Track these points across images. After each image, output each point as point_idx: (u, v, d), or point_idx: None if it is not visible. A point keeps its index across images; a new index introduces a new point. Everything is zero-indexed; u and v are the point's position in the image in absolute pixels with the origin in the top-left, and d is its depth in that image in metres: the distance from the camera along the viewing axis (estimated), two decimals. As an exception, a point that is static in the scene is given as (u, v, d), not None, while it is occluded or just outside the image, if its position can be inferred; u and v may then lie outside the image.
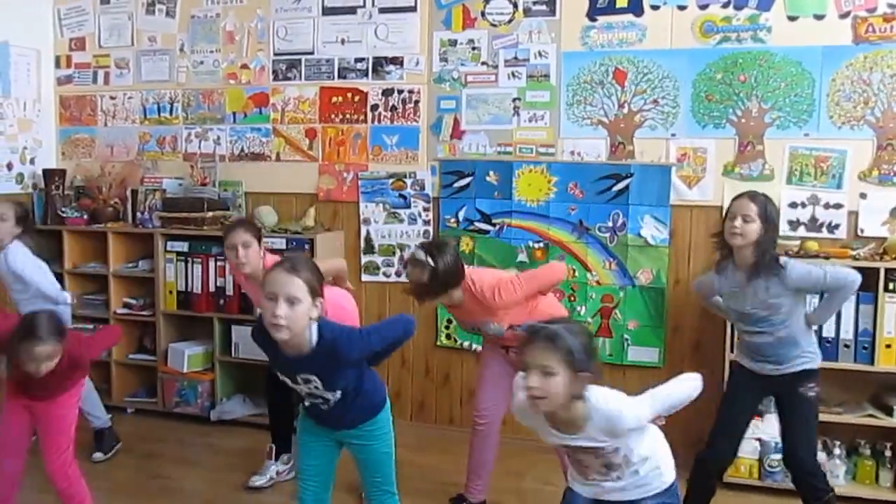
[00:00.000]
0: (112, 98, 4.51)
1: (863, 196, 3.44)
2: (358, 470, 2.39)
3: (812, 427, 2.74)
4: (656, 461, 2.04)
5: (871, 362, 3.24)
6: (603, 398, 1.91)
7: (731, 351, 3.30)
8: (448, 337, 3.99)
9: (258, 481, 3.35)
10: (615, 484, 2.03)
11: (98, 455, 3.60)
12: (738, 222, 2.65)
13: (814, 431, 2.75)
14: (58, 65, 4.58)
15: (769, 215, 2.67)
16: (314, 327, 2.08)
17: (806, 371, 2.70)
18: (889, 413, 3.26)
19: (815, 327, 2.82)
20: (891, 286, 3.21)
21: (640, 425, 1.96)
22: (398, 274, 4.03)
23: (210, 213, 4.01)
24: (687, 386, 2.08)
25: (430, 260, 2.77)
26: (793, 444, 2.74)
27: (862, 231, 3.42)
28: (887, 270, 3.20)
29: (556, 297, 3.04)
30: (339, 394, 2.18)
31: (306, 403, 2.26)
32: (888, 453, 3.32)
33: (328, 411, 2.22)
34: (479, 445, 3.07)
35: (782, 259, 2.68)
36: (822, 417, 3.26)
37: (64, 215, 4.21)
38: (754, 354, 2.77)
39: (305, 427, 2.36)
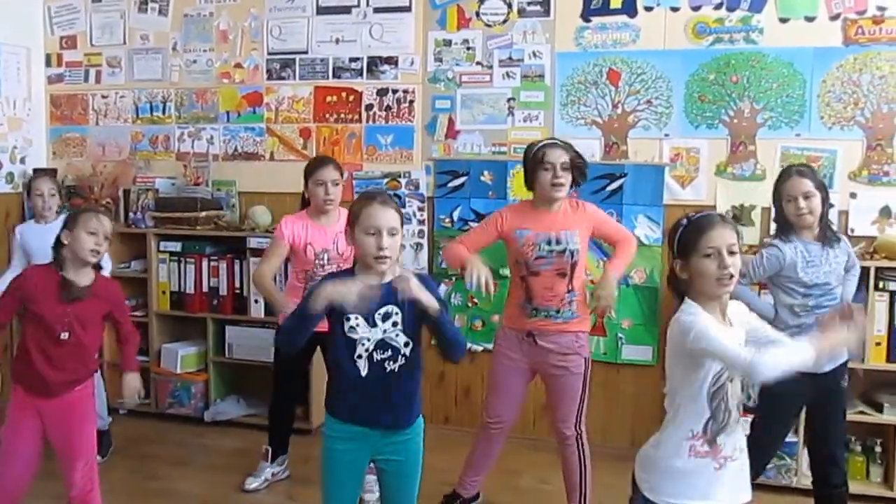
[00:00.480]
0: (104, 97, 4.47)
1: (853, 196, 3.48)
2: (383, 488, 2.27)
3: (845, 418, 2.77)
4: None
5: (862, 360, 3.28)
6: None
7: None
8: (443, 336, 4.00)
9: (253, 483, 3.34)
10: (734, 443, 1.95)
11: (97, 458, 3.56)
12: (802, 202, 2.63)
13: (845, 423, 2.78)
14: (48, 63, 4.54)
15: (822, 182, 2.71)
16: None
17: (845, 362, 2.73)
18: (879, 410, 3.30)
19: None
20: (881, 285, 3.26)
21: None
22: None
23: (203, 213, 3.99)
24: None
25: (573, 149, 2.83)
26: (827, 438, 2.73)
27: (852, 230, 3.46)
28: (877, 269, 3.25)
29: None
30: (410, 348, 2.12)
31: (364, 373, 2.10)
32: (878, 449, 3.37)
33: (386, 385, 2.11)
34: (487, 447, 3.04)
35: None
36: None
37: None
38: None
39: (337, 440, 2.19)
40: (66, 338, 2.47)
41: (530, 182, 2.85)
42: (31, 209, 3.72)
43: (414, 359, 2.16)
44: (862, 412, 3.34)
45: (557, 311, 2.81)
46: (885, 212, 3.46)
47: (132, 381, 2.70)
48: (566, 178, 2.77)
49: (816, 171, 2.78)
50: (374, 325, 2.10)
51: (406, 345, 2.13)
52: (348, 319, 2.10)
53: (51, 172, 4.28)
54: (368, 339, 2.10)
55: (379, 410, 2.15)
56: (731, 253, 1.85)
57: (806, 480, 3.27)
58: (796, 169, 2.74)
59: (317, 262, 3.19)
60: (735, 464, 1.92)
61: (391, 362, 2.12)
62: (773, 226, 3.15)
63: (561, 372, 2.83)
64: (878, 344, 3.28)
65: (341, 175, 3.25)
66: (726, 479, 1.91)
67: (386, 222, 2.07)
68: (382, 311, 2.10)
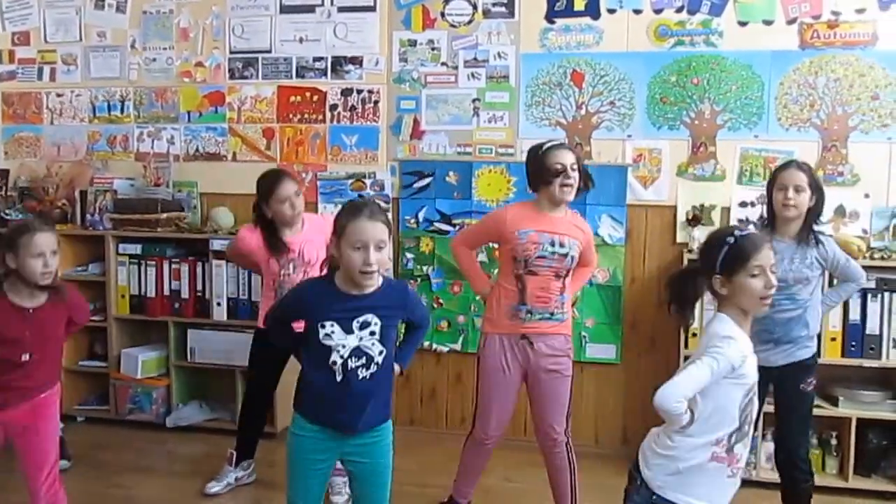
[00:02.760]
0: (59, 95, 4.35)
1: (809, 195, 3.57)
2: (354, 491, 2.28)
3: (808, 421, 2.80)
4: None
5: (819, 355, 3.34)
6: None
7: (686, 346, 3.39)
8: (409, 337, 3.99)
9: (214, 488, 3.28)
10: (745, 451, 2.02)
11: (64, 462, 3.46)
12: (791, 193, 2.66)
13: (808, 423, 2.81)
14: (0, 60, 4.41)
15: (818, 184, 2.72)
16: None
17: (806, 363, 2.74)
18: (835, 403, 3.39)
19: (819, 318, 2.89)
20: (835, 281, 3.32)
21: None
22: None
23: (164, 215, 3.92)
24: None
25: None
26: (788, 438, 2.78)
27: (809, 229, 3.55)
28: (833, 267, 3.33)
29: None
30: (384, 355, 2.13)
31: (338, 378, 2.10)
32: (834, 442, 3.46)
33: (359, 390, 2.11)
34: (478, 457, 2.97)
35: (823, 236, 2.76)
36: (772, 409, 3.39)
37: (7, 217, 4.04)
38: (761, 334, 2.69)
39: (307, 444, 2.19)
40: (27, 359, 2.42)
41: (536, 184, 2.79)
42: None
43: (386, 365, 2.16)
44: (818, 406, 3.40)
45: (552, 314, 2.77)
46: (840, 211, 3.55)
47: None
48: (575, 179, 2.73)
49: (815, 172, 2.79)
50: (350, 332, 2.09)
51: (380, 353, 2.13)
52: (324, 326, 2.09)
53: (2, 173, 4.16)
54: (344, 346, 2.10)
55: (349, 415, 2.15)
56: (773, 273, 1.92)
57: (766, 473, 3.35)
58: (797, 163, 2.78)
59: (282, 271, 3.17)
60: (740, 473, 1.99)
61: (364, 369, 2.12)
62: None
63: (553, 375, 2.79)
64: (833, 339, 3.37)
65: (297, 182, 3.24)
66: (730, 490, 1.99)
67: (373, 237, 2.03)
68: (361, 319, 2.09)
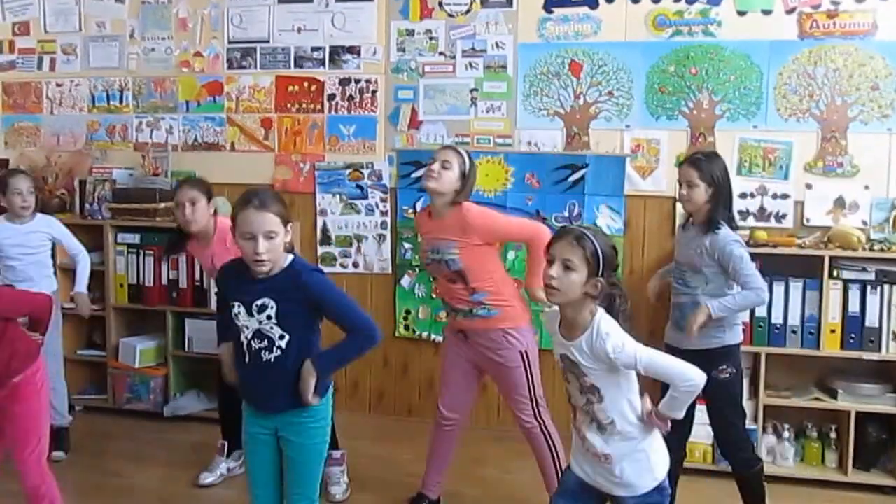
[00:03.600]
0: (58, 85, 4.37)
1: (808, 186, 3.54)
2: (285, 469, 2.27)
3: (727, 406, 2.78)
4: (649, 458, 2.05)
5: (817, 347, 3.35)
6: (605, 321, 1.98)
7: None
8: (406, 328, 3.99)
9: (208, 478, 3.29)
10: (602, 446, 2.03)
11: (59, 454, 3.47)
12: (684, 189, 2.76)
13: (731, 410, 2.79)
14: (0, 50, 4.42)
15: (715, 177, 2.73)
16: (288, 256, 2.18)
17: (712, 351, 2.72)
18: (834, 396, 3.36)
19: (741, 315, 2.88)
20: (835, 273, 3.32)
21: (621, 360, 1.95)
22: (355, 265, 4.01)
23: (162, 204, 3.92)
24: (685, 368, 2.00)
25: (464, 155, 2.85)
26: (716, 426, 2.86)
27: (808, 220, 3.53)
28: (831, 258, 3.31)
29: (516, 284, 3.00)
30: (286, 340, 2.14)
31: (246, 360, 2.18)
32: (833, 435, 3.43)
33: (268, 371, 2.16)
34: (440, 445, 3.02)
35: (723, 229, 2.72)
36: (771, 402, 3.38)
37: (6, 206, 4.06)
38: (673, 318, 2.86)
39: (247, 419, 2.29)
40: None
41: None
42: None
43: (292, 351, 2.16)
44: (817, 398, 3.40)
45: (470, 311, 2.80)
46: (840, 202, 3.53)
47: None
48: (440, 174, 2.75)
49: (717, 165, 2.77)
50: (251, 314, 2.15)
51: (281, 337, 2.15)
52: (233, 307, 2.17)
53: (2, 162, 4.17)
54: (247, 328, 2.16)
55: (261, 395, 2.22)
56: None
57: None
58: (690, 159, 2.82)
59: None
60: (604, 468, 2.04)
61: (267, 352, 2.16)
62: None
63: (496, 367, 2.86)
64: (832, 331, 3.34)
65: (207, 191, 3.11)
66: (593, 463, 2.07)
67: (260, 227, 2.07)
68: (259, 302, 2.13)
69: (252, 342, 2.16)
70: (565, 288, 1.96)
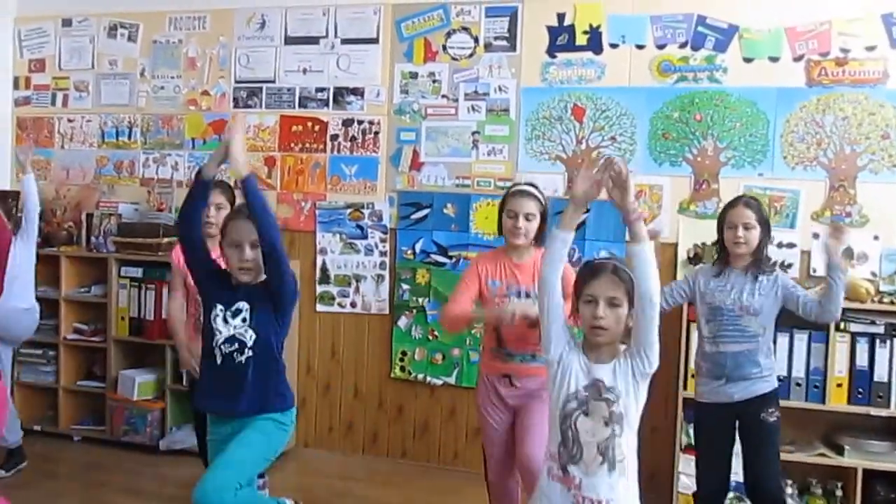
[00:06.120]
0: (70, 121, 4.46)
1: (815, 236, 3.47)
2: (225, 449, 2.31)
3: (777, 453, 2.76)
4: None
5: (823, 401, 3.26)
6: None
7: (684, 388, 3.30)
8: (402, 369, 3.95)
9: None
10: (607, 490, 1.93)
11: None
12: (741, 231, 2.72)
13: (778, 458, 2.76)
14: (16, 86, 4.54)
15: (766, 218, 2.78)
16: None
17: (766, 395, 2.74)
18: (840, 452, 3.27)
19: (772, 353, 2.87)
20: (842, 326, 3.24)
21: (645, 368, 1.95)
22: (353, 305, 4.00)
23: (166, 240, 3.96)
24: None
25: (540, 195, 2.75)
26: (756, 472, 2.75)
27: (815, 271, 3.45)
28: (839, 310, 3.23)
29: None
30: (255, 340, 2.30)
31: (218, 361, 2.31)
32: (839, 493, 3.33)
33: (236, 372, 2.29)
34: (499, 499, 2.88)
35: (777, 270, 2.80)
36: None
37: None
38: (714, 369, 2.76)
39: (210, 427, 2.44)
40: None
41: (500, 228, 2.80)
42: None
43: (262, 353, 2.32)
44: (822, 454, 3.30)
45: (533, 356, 2.70)
46: (848, 253, 3.43)
47: None
48: (525, 226, 2.69)
49: (763, 206, 2.85)
50: (226, 321, 2.32)
51: (252, 339, 2.31)
52: (214, 308, 2.32)
53: (13, 195, 4.24)
54: (221, 332, 2.32)
55: (227, 397, 2.32)
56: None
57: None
58: (744, 200, 2.82)
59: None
60: None
61: (238, 354, 2.31)
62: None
63: (533, 403, 2.70)
64: (839, 385, 3.25)
65: (232, 198, 3.14)
66: None
67: (248, 235, 2.25)
68: (234, 307, 2.31)
69: (223, 346, 2.31)
70: (614, 327, 1.94)
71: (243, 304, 2.31)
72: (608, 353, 1.99)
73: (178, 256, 3.13)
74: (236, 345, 2.31)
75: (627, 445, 1.95)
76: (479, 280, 2.77)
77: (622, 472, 1.93)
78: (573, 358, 2.01)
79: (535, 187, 2.79)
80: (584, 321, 1.97)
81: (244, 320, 2.31)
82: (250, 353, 2.30)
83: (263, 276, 2.33)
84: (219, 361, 2.32)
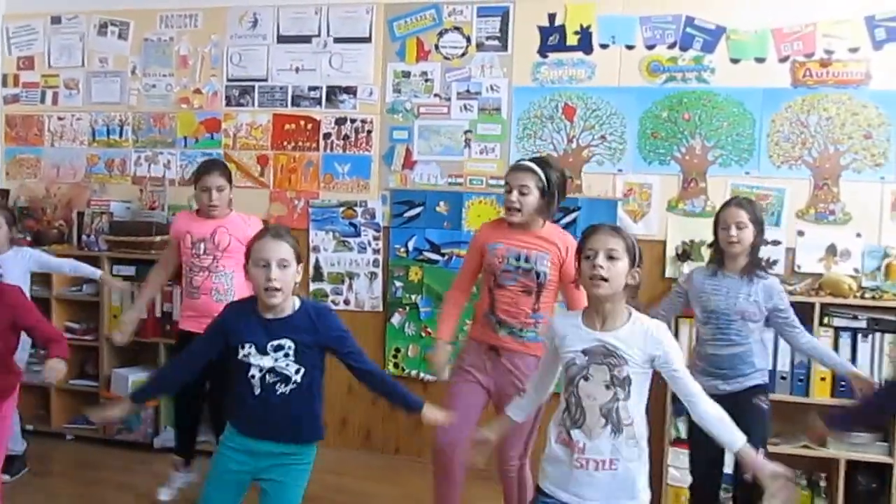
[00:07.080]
0: (60, 119, 4.44)
1: (800, 234, 3.55)
2: None
3: (762, 434, 2.77)
4: (644, 474, 2.04)
5: (807, 394, 3.34)
6: (645, 317, 2.02)
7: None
8: (396, 366, 3.99)
9: (164, 494, 3.38)
10: (612, 451, 1.97)
11: (5, 477, 3.48)
12: (734, 231, 2.76)
13: (762, 438, 2.77)
14: (4, 83, 4.50)
15: (759, 218, 2.82)
16: (296, 298, 2.25)
17: (757, 386, 2.80)
18: (823, 444, 3.34)
19: (769, 348, 2.99)
20: (825, 321, 3.32)
21: (665, 353, 1.97)
22: (346, 302, 4.03)
23: (158, 238, 3.96)
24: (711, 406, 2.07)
25: (539, 171, 2.69)
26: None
27: (799, 267, 3.53)
28: (822, 305, 3.32)
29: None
30: (301, 374, 2.20)
31: (256, 391, 2.20)
32: (823, 483, 3.41)
33: (277, 404, 2.20)
34: (444, 482, 2.84)
35: (770, 276, 2.84)
36: (759, 449, 3.36)
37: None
38: (710, 369, 2.81)
39: (228, 452, 2.28)
40: None
41: None
42: None
43: (307, 384, 2.22)
44: (806, 446, 3.38)
45: (521, 330, 2.72)
46: (831, 249, 3.52)
47: (57, 364, 2.54)
48: (519, 200, 2.68)
49: (758, 206, 2.90)
50: (265, 353, 2.20)
51: (297, 372, 2.21)
52: (243, 348, 2.20)
53: (2, 193, 4.23)
54: (260, 366, 2.20)
55: (270, 426, 2.23)
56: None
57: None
58: (737, 201, 2.87)
59: (193, 251, 3.25)
60: (605, 473, 1.97)
61: (282, 385, 2.21)
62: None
63: (513, 393, 2.67)
64: (822, 379, 3.34)
65: (230, 179, 3.32)
66: (585, 480, 1.97)
67: (276, 254, 2.15)
68: (275, 343, 2.19)
69: (266, 376, 2.20)
70: (614, 277, 1.95)
71: (286, 342, 2.19)
72: (616, 317, 1.99)
73: (176, 227, 3.34)
74: (279, 376, 2.20)
75: (637, 410, 1.98)
76: (478, 245, 2.83)
77: (630, 435, 1.96)
78: (566, 334, 2.04)
79: (543, 161, 2.77)
80: (584, 275, 1.98)
81: (286, 355, 2.20)
82: (294, 386, 2.21)
83: (296, 301, 2.24)
84: (256, 391, 2.20)
